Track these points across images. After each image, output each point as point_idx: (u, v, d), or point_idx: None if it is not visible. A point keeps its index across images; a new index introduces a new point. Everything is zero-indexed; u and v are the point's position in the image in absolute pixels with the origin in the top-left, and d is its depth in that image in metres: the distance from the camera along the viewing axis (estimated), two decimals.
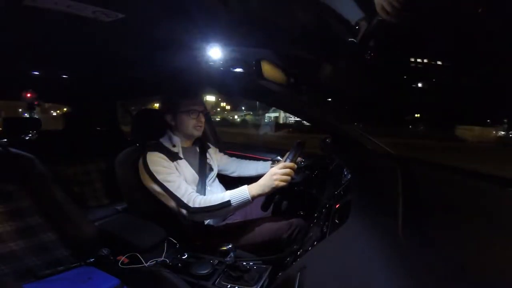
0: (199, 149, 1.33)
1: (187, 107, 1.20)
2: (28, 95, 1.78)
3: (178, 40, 0.91)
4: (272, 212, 1.29)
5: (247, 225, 1.16)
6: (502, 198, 0.55)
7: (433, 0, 0.53)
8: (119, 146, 1.33)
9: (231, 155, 1.52)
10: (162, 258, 0.98)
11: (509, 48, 0.62)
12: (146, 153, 1.12)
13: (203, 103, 1.27)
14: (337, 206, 0.78)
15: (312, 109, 1.00)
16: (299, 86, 0.93)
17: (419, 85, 0.95)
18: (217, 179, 1.35)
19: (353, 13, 0.68)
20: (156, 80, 1.55)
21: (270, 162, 1.38)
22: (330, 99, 1.07)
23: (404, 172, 0.72)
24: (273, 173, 0.97)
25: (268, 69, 0.81)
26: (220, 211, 1.00)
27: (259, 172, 1.37)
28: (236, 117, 18.84)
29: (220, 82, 1.34)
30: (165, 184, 1.06)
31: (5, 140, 1.06)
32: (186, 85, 1.40)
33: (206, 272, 0.91)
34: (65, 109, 2.68)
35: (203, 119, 1.26)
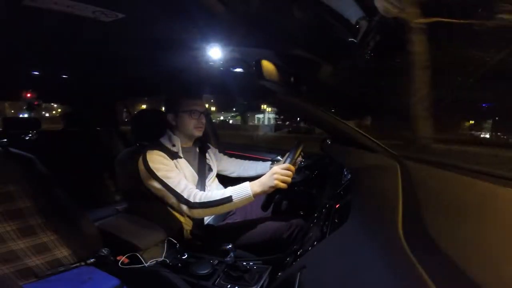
0: (199, 149, 1.33)
1: (189, 107, 1.20)
2: (28, 95, 1.78)
3: (178, 40, 0.91)
4: (272, 212, 1.29)
5: (247, 225, 1.16)
6: (504, 197, 0.55)
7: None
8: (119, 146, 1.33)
9: (231, 155, 1.52)
10: (162, 258, 0.98)
11: None
12: (146, 152, 1.12)
13: (204, 104, 1.27)
14: (337, 206, 0.78)
15: (315, 109, 1.00)
16: (299, 86, 0.93)
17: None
18: (216, 180, 1.35)
19: (353, 13, 0.68)
20: (156, 80, 1.55)
21: (269, 163, 1.38)
22: (330, 99, 1.07)
23: (404, 172, 0.72)
24: (274, 172, 0.97)
25: (268, 69, 0.81)
26: (221, 207, 1.00)
27: (259, 172, 1.37)
28: (222, 118, 19.05)
29: (220, 82, 1.34)
30: (165, 180, 1.06)
31: (5, 140, 1.06)
32: (187, 84, 1.40)
33: (206, 272, 0.91)
34: (59, 110, 2.68)
35: (204, 120, 1.26)
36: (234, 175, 1.44)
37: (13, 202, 0.97)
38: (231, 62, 1.01)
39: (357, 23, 0.71)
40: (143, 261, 0.96)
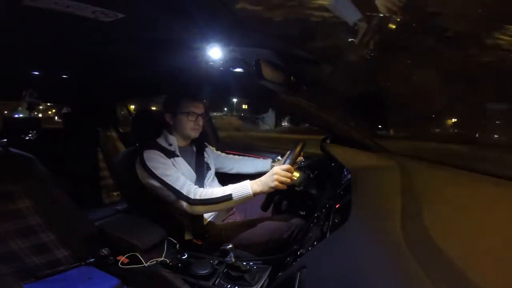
0: (196, 148, 1.33)
1: (187, 108, 1.20)
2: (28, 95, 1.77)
3: (178, 40, 0.91)
4: (272, 212, 1.29)
5: (247, 225, 1.16)
6: (504, 197, 0.55)
7: None
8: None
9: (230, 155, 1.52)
10: (162, 258, 0.98)
11: None
12: (143, 151, 1.12)
13: (203, 106, 1.26)
14: (337, 206, 0.78)
15: (315, 109, 1.00)
16: (299, 86, 0.93)
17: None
18: (215, 178, 1.35)
19: (352, 13, 0.68)
20: (156, 80, 1.55)
21: (270, 161, 1.38)
22: (330, 99, 1.07)
23: (404, 171, 0.72)
24: (275, 172, 0.97)
25: (268, 69, 0.81)
26: (220, 204, 1.00)
27: (259, 169, 1.36)
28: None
29: (220, 82, 1.34)
30: (163, 178, 1.06)
31: (5, 140, 1.06)
32: (187, 85, 1.40)
33: (206, 272, 0.91)
34: (53, 110, 2.68)
35: (201, 122, 1.25)
36: (233, 171, 1.44)
37: (13, 202, 0.97)
38: (231, 62, 1.01)
39: (356, 23, 0.71)
40: (143, 261, 0.96)
